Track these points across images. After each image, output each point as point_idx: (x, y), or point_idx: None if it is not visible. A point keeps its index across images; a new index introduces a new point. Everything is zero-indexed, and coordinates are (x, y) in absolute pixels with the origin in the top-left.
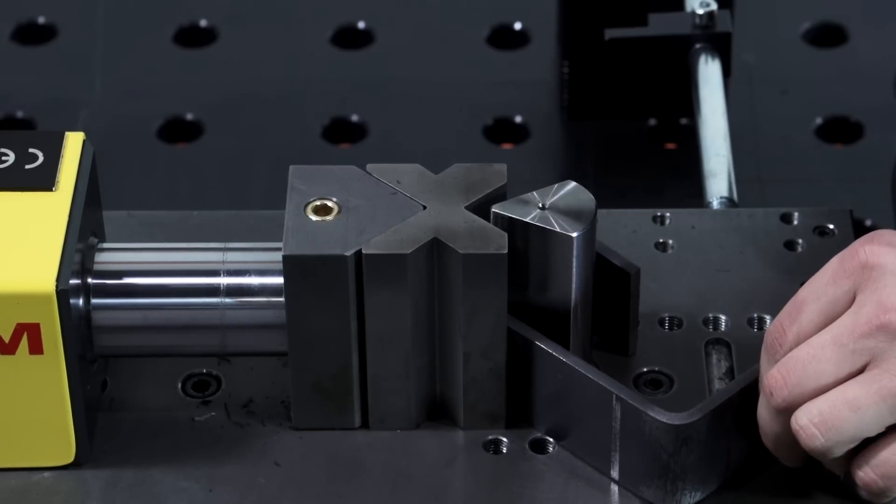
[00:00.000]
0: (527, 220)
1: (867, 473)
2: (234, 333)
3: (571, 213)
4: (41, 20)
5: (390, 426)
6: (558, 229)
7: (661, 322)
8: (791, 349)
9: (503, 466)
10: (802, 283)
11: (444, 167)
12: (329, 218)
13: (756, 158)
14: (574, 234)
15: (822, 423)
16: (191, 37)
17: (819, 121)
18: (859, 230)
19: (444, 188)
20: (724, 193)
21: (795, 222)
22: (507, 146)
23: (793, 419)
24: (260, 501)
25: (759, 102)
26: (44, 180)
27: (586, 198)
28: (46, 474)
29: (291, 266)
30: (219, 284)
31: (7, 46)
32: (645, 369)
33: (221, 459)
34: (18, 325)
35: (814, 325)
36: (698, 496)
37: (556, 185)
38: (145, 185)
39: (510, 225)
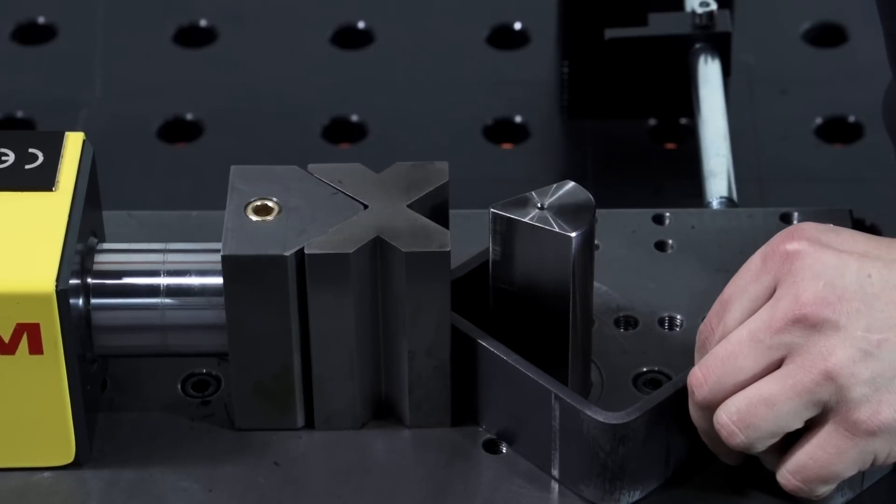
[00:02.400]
0: (525, 220)
1: (789, 481)
2: (174, 333)
3: (570, 213)
4: (41, 20)
5: (336, 426)
6: (557, 229)
7: (661, 322)
8: None
9: (503, 466)
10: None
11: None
12: (269, 218)
13: (756, 158)
14: (572, 234)
15: (741, 420)
16: (191, 37)
17: (819, 121)
18: (859, 230)
19: (385, 187)
20: (724, 193)
21: (795, 222)
22: (507, 146)
23: (714, 417)
24: (260, 501)
25: (759, 102)
26: (44, 180)
27: (585, 197)
28: (46, 474)
29: (230, 266)
30: (159, 284)
31: (7, 46)
32: (644, 369)
33: (221, 459)
34: (18, 325)
35: (737, 323)
36: (637, 495)
37: (554, 185)
38: (145, 185)
39: (509, 225)
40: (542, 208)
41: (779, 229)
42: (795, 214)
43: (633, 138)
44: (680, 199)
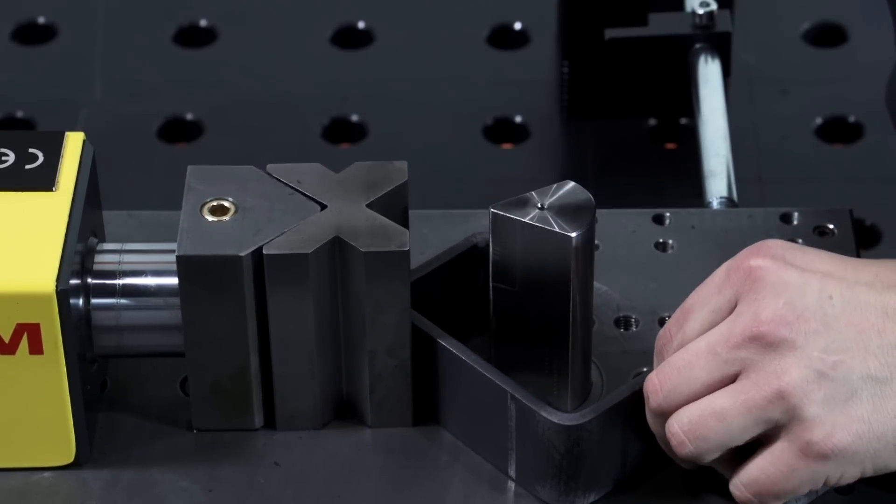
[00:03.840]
0: (525, 220)
1: (742, 493)
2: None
3: (570, 213)
4: (41, 20)
5: (297, 426)
6: (557, 229)
7: (661, 322)
8: None
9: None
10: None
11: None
12: (225, 218)
13: (756, 158)
14: (573, 235)
15: (691, 431)
16: (191, 37)
17: (819, 121)
18: (859, 230)
19: (344, 187)
20: (724, 193)
21: (795, 222)
22: (507, 146)
23: (666, 425)
24: (260, 501)
25: (759, 102)
26: (44, 180)
27: (585, 198)
28: (46, 474)
29: (186, 267)
30: (115, 284)
31: (7, 46)
32: (644, 369)
33: (221, 459)
34: (18, 325)
35: (696, 333)
36: (593, 496)
37: (554, 185)
38: (145, 185)
39: (509, 225)
40: (542, 208)
41: (779, 229)
42: (795, 214)
43: (633, 138)
44: (680, 199)
